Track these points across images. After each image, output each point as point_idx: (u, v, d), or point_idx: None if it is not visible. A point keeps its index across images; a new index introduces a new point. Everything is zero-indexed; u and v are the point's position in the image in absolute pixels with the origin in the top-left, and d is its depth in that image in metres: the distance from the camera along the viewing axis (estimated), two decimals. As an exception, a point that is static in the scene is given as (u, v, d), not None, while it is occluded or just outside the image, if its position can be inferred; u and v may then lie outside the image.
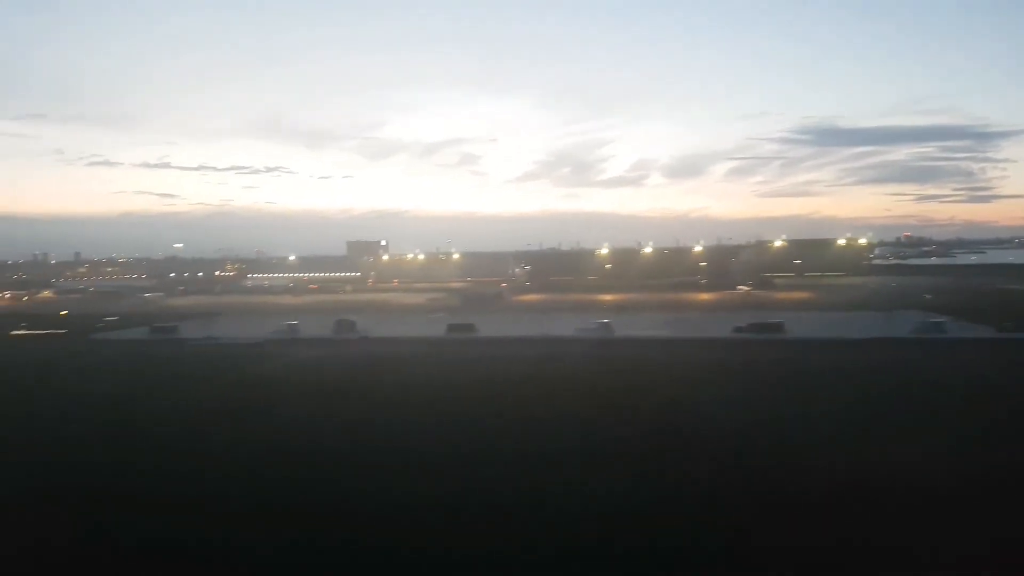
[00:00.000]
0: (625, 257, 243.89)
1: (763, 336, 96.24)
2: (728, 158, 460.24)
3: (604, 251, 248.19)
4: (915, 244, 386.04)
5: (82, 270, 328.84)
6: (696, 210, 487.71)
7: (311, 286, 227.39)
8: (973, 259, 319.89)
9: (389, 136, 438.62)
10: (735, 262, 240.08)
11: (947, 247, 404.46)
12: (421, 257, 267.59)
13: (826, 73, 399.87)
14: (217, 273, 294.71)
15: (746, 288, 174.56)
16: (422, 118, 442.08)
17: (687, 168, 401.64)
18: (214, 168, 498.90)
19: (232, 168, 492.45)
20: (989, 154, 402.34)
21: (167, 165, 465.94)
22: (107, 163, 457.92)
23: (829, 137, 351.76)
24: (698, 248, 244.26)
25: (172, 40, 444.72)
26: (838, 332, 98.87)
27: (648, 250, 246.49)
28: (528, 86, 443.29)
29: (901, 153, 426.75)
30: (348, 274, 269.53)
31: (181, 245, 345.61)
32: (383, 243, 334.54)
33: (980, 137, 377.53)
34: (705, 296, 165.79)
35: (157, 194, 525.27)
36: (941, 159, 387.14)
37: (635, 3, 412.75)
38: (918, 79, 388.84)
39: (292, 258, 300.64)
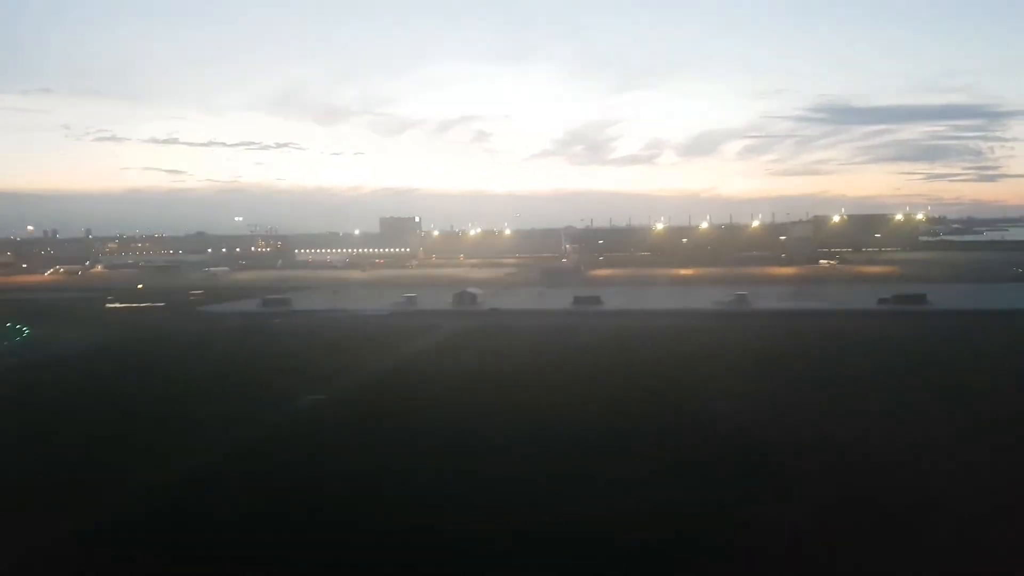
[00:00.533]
0: (678, 234, 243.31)
1: (913, 307, 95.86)
2: (742, 136, 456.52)
3: (658, 227, 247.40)
4: (966, 223, 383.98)
5: (112, 246, 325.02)
6: (707, 189, 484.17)
7: (377, 260, 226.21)
8: (1009, 235, 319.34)
9: (402, 112, 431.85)
10: (789, 239, 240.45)
11: (969, 225, 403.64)
12: (473, 233, 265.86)
13: (843, 51, 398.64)
14: (253, 249, 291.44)
15: (830, 262, 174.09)
16: (435, 94, 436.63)
17: (700, 147, 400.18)
18: (223, 144, 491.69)
19: (242, 144, 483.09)
20: (999, 133, 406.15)
21: (176, 141, 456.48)
22: (114, 138, 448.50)
23: (843, 115, 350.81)
24: (755, 224, 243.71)
25: (182, 14, 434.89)
26: (978, 304, 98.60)
27: (703, 226, 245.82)
28: (543, 63, 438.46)
29: (913, 132, 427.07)
30: (397, 249, 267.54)
31: (240, 218, 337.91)
32: (417, 219, 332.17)
33: (991, 116, 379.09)
34: (793, 270, 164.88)
35: (165, 170, 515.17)
36: (952, 138, 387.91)
37: None
38: (933, 58, 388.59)
39: (329, 234, 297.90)
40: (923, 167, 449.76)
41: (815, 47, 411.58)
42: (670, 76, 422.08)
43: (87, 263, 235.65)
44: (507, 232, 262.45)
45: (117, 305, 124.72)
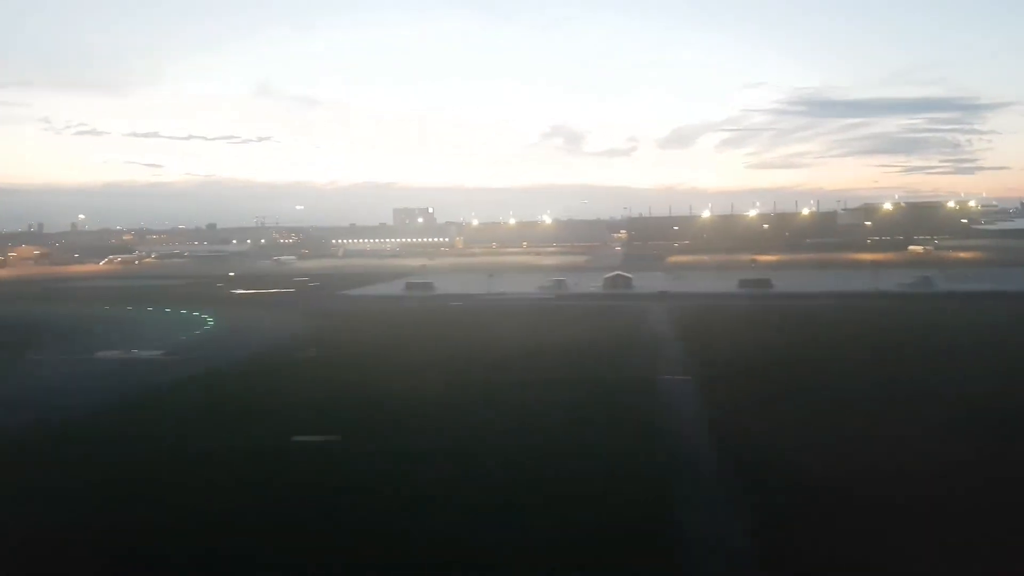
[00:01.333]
0: (725, 223, 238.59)
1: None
2: (719, 129, 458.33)
3: (704, 215, 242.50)
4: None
5: (128, 237, 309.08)
6: (685, 182, 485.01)
7: (442, 249, 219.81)
8: None
9: (381, 107, 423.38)
10: (840, 226, 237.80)
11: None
12: (511, 223, 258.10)
13: (821, 45, 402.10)
14: (283, 241, 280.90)
15: (921, 249, 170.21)
16: (415, 89, 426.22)
17: (678, 140, 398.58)
18: (203, 138, 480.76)
19: (222, 138, 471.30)
20: (975, 126, 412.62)
21: (156, 135, 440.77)
22: (95, 132, 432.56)
23: (821, 108, 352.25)
24: (805, 212, 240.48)
25: (163, 7, 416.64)
26: None
27: (752, 214, 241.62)
28: (524, 55, 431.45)
29: (890, 124, 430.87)
30: (436, 239, 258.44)
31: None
32: (431, 210, 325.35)
33: (968, 109, 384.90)
34: (889, 255, 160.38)
35: (144, 164, 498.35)
36: (928, 131, 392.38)
37: None
38: (910, 51, 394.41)
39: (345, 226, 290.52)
40: (900, 160, 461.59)
41: (794, 40, 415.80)
42: (650, 69, 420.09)
43: (136, 253, 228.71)
44: (548, 222, 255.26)
45: (244, 291, 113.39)
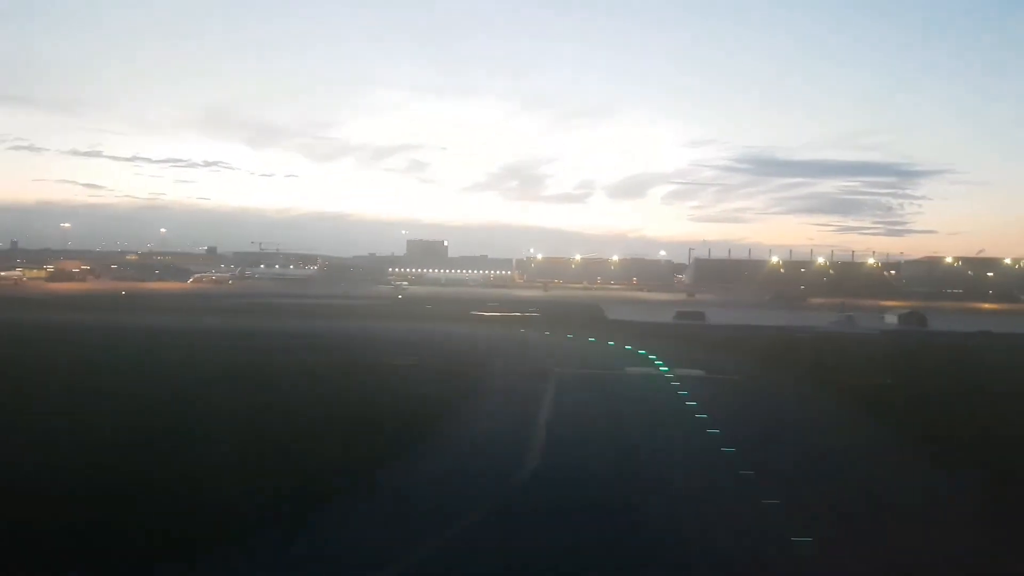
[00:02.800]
0: (793, 268, 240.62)
1: None
2: (669, 181, 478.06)
3: (774, 260, 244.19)
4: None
5: (132, 257, 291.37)
6: (634, 230, 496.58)
7: (555, 281, 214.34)
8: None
9: (338, 137, 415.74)
10: (895, 276, 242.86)
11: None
12: (576, 259, 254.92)
13: (773, 105, 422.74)
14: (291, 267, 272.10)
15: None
16: (373, 121, 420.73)
17: (629, 189, 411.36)
18: (148, 160, 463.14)
19: (168, 161, 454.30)
20: (908, 191, 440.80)
21: (99, 154, 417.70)
22: (32, 148, 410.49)
23: (765, 167, 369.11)
24: (871, 261, 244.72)
25: (113, 25, 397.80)
26: None
27: (820, 261, 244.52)
28: (483, 96, 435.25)
29: (829, 186, 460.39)
30: (498, 272, 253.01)
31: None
32: (445, 244, 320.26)
33: (903, 174, 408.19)
34: (1011, 306, 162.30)
35: (82, 184, 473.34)
36: (865, 193, 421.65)
37: (597, 23, 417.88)
38: (853, 117, 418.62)
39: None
40: (836, 219, 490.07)
41: (748, 100, 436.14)
42: (607, 118, 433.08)
43: (230, 271, 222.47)
44: (614, 259, 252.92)
45: (490, 313, 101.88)
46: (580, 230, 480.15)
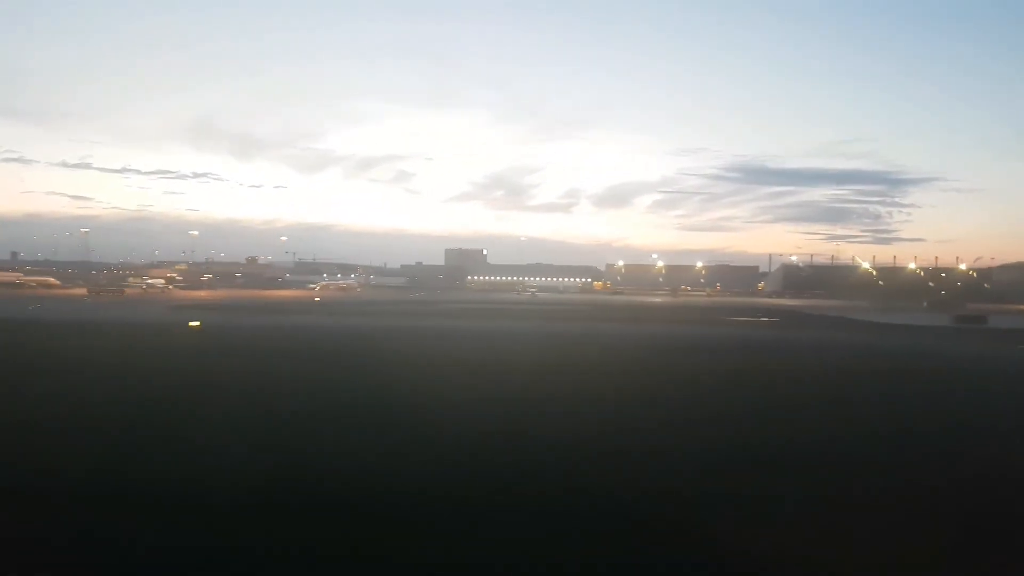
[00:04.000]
0: (889, 273, 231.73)
1: None
2: (655, 190, 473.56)
3: (864, 266, 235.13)
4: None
5: (182, 267, 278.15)
6: (620, 239, 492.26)
7: (683, 287, 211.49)
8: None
9: (324, 148, 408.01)
10: (999, 283, 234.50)
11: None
12: (659, 265, 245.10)
13: (763, 114, 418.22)
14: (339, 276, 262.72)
15: None
16: (359, 132, 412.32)
17: (615, 198, 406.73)
18: (137, 171, 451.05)
19: (157, 172, 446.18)
20: (897, 199, 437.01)
21: (88, 166, 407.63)
22: (21, 160, 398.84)
23: (754, 175, 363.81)
24: (962, 267, 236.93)
25: (105, 38, 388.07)
26: None
27: (911, 267, 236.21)
28: (469, 107, 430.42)
29: (818, 194, 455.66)
30: (582, 280, 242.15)
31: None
32: (484, 252, 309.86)
33: (892, 183, 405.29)
34: None
35: (70, 196, 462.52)
36: (854, 202, 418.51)
37: (582, 32, 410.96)
38: (842, 124, 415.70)
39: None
40: (825, 228, 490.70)
41: (738, 109, 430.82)
42: (593, 128, 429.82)
43: (352, 277, 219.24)
44: (699, 265, 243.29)
45: (749, 319, 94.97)
46: (565, 239, 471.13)
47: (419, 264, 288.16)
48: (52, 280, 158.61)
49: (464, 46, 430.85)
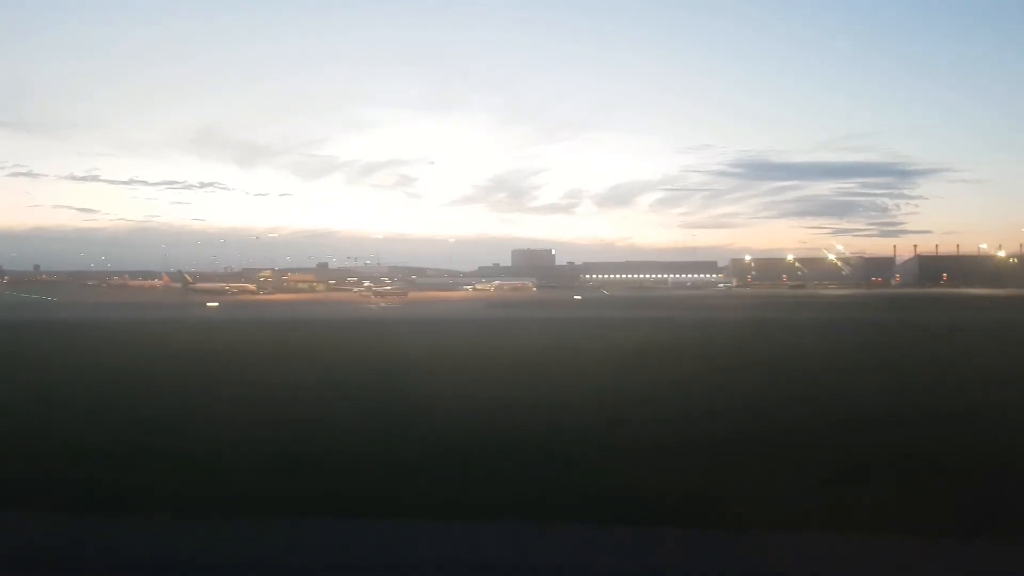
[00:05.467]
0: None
1: None
2: (657, 188, 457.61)
3: (999, 255, 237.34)
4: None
5: (266, 273, 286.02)
6: (623, 238, 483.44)
7: (874, 279, 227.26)
8: None
9: (327, 154, 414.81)
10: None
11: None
12: (790, 258, 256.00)
13: (767, 109, 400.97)
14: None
15: None
16: (361, 137, 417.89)
17: (617, 198, 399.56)
18: (145, 182, 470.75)
19: (164, 183, 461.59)
20: (905, 191, 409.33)
21: (96, 178, 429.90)
22: (30, 174, 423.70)
23: (758, 171, 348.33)
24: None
25: (109, 50, 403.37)
26: None
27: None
28: (470, 111, 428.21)
29: (824, 188, 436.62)
30: (700, 276, 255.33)
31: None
32: (552, 252, 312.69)
33: (899, 174, 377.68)
34: None
35: (77, 208, 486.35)
36: (860, 194, 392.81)
37: (584, 31, 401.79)
38: (849, 117, 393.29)
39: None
40: (830, 222, 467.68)
41: (741, 105, 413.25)
42: (595, 128, 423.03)
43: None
44: (831, 258, 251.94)
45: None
46: (568, 240, 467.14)
47: (495, 265, 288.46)
48: (251, 287, 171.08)
49: (465, 51, 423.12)
